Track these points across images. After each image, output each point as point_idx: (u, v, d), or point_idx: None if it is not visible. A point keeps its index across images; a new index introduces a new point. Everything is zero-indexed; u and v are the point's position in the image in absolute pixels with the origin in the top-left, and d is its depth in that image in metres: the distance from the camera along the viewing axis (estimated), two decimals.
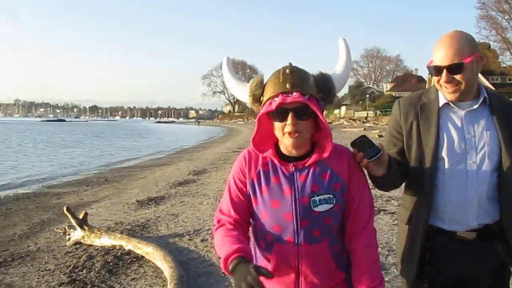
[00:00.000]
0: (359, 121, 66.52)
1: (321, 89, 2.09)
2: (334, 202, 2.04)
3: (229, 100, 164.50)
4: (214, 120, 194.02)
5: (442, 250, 2.33)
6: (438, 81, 2.29)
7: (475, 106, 2.30)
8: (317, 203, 2.03)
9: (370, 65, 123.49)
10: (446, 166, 2.29)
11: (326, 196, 2.03)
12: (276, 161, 2.09)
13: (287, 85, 1.99)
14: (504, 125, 2.28)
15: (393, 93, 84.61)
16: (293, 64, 2.08)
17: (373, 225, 2.14)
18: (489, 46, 61.03)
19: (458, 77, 2.22)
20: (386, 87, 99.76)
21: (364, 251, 2.06)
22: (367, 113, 77.35)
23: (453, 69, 2.21)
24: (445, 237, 2.32)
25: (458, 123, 2.31)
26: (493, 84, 58.56)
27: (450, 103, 2.34)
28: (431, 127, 2.33)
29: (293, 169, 2.07)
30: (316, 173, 2.05)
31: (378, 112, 73.83)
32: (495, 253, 2.29)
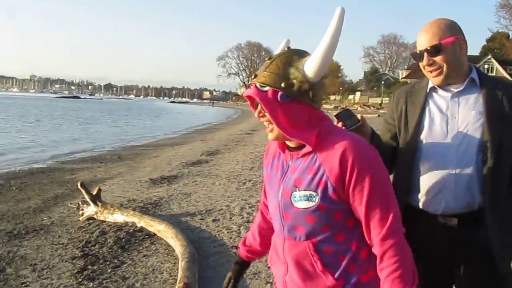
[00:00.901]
0: (374, 107, 66.10)
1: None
2: (316, 200, 1.79)
3: (243, 82, 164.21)
4: (228, 102, 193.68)
5: (421, 232, 2.26)
6: (424, 67, 2.32)
7: (461, 88, 2.30)
8: (297, 198, 1.84)
9: (387, 51, 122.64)
10: (425, 147, 2.30)
11: (307, 192, 1.81)
12: (280, 150, 1.99)
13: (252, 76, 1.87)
14: (493, 106, 2.23)
15: (409, 80, 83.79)
16: (291, 47, 1.88)
17: (394, 230, 1.76)
18: (508, 36, 60.15)
19: (438, 59, 2.24)
20: (401, 74, 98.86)
21: (381, 259, 1.77)
22: (382, 100, 76.84)
23: (432, 51, 2.24)
24: (424, 218, 2.31)
25: (443, 105, 2.32)
26: (511, 75, 57.77)
27: (437, 87, 2.36)
28: (416, 110, 2.37)
29: (290, 159, 1.93)
30: (303, 166, 1.85)
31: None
32: (476, 241, 2.25)
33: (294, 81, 1.77)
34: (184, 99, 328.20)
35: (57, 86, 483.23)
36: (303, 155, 1.86)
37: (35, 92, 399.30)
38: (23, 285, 4.87)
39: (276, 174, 1.98)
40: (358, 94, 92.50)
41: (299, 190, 1.83)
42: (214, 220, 6.84)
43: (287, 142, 1.93)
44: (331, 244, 1.84)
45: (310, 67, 1.77)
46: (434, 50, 2.23)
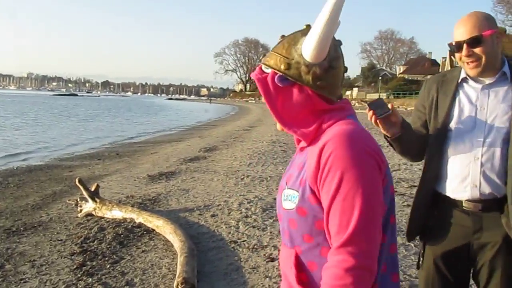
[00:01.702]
0: None
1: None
2: (296, 202, 1.55)
3: (241, 79, 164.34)
4: (226, 98, 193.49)
5: (446, 217, 2.41)
6: (460, 58, 2.34)
7: (492, 81, 2.35)
8: (284, 197, 1.62)
9: (384, 47, 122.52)
10: (454, 135, 2.37)
11: (291, 191, 1.59)
12: (296, 142, 1.76)
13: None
14: None
15: (406, 76, 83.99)
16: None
17: (350, 247, 1.38)
18: (505, 31, 60.20)
19: (477, 50, 2.27)
20: (399, 69, 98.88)
21: (324, 273, 1.46)
22: (379, 95, 76.90)
23: (472, 42, 2.27)
24: (450, 205, 2.40)
25: (473, 96, 2.38)
26: None
27: (469, 77, 2.41)
28: (446, 99, 2.43)
29: (297, 153, 1.73)
30: (298, 161, 1.66)
31: (390, 94, 73.32)
32: (499, 227, 2.31)
33: (293, 62, 1.57)
34: (181, 96, 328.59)
35: (54, 83, 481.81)
36: (301, 149, 1.68)
37: (32, 90, 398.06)
38: (22, 281, 4.88)
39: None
40: (355, 90, 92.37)
41: (287, 188, 1.62)
42: (212, 216, 6.84)
43: None
44: (315, 258, 1.55)
45: (306, 46, 1.55)
46: (475, 42, 2.26)
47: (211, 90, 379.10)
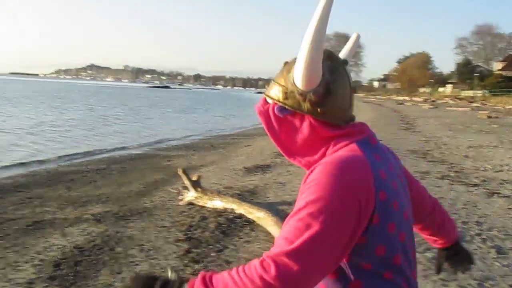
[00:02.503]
0: (466, 100, 63.54)
1: None
2: None
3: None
4: None
5: None
6: None
7: None
8: None
9: (481, 42, 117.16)
10: None
11: None
12: None
13: None
14: None
15: (504, 73, 80.00)
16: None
17: (282, 259, 1.25)
18: None
19: None
20: (496, 66, 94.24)
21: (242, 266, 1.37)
22: (475, 93, 73.73)
23: None
24: None
25: None
26: None
27: None
28: None
29: None
30: None
31: (486, 92, 70.14)
32: None
33: (289, 91, 1.50)
34: None
35: (148, 76, 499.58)
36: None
37: (128, 82, 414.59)
38: (133, 264, 5.09)
39: None
40: (449, 86, 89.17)
41: None
42: None
43: None
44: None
45: (295, 74, 1.48)
46: None
47: None
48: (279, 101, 1.51)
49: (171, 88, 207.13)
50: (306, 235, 1.26)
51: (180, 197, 7.57)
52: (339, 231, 1.29)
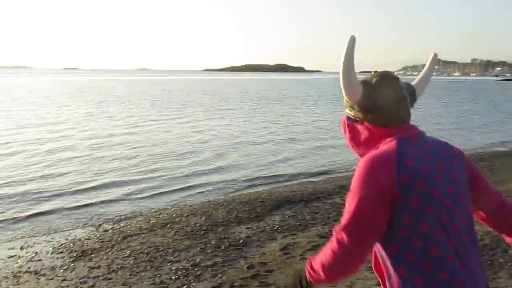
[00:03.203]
0: None
1: None
2: None
3: None
4: None
5: None
6: None
7: None
8: None
9: None
10: None
11: None
12: None
13: None
14: None
15: None
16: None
17: (339, 233, 1.81)
18: None
19: None
20: None
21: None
22: None
23: None
24: None
25: None
26: None
27: None
28: None
29: None
30: None
31: None
32: None
33: (349, 104, 1.99)
34: None
35: (498, 68, 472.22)
36: None
37: (476, 76, 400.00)
38: None
39: None
40: None
41: None
42: None
43: None
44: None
45: (343, 91, 1.97)
46: None
47: None
48: (347, 112, 2.01)
49: None
50: (349, 213, 1.79)
51: None
52: (370, 206, 1.75)
